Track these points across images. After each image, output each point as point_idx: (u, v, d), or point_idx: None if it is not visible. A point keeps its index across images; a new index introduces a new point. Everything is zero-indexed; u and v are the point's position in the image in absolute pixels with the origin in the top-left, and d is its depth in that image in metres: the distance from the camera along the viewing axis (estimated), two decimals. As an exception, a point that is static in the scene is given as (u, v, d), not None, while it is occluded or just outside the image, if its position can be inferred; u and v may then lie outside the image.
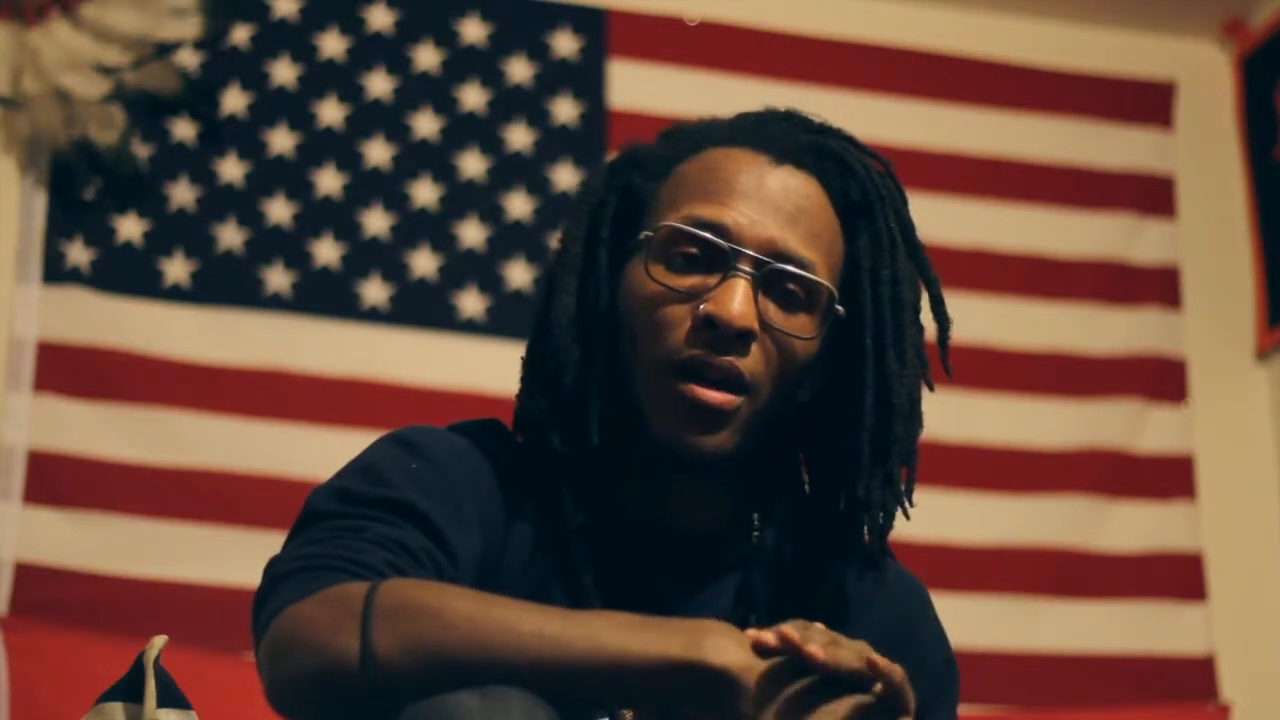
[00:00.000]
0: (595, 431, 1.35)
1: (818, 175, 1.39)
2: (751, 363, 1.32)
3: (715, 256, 1.33)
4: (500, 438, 1.42)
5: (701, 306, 1.32)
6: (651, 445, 1.34)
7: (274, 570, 1.26)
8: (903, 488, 1.39)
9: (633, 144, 1.46)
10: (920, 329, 1.41)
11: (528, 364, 1.42)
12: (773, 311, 1.33)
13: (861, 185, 1.40)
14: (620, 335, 1.37)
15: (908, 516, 1.41)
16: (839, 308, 1.36)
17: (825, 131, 1.43)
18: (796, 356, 1.35)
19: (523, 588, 1.32)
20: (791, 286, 1.34)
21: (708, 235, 1.33)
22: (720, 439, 1.33)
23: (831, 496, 1.43)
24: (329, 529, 1.27)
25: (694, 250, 1.34)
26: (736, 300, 1.31)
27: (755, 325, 1.32)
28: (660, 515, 1.40)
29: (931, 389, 1.42)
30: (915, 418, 1.39)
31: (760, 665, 1.13)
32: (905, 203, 1.43)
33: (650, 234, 1.36)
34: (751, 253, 1.33)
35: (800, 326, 1.35)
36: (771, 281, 1.33)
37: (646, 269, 1.35)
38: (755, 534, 1.42)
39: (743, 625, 1.23)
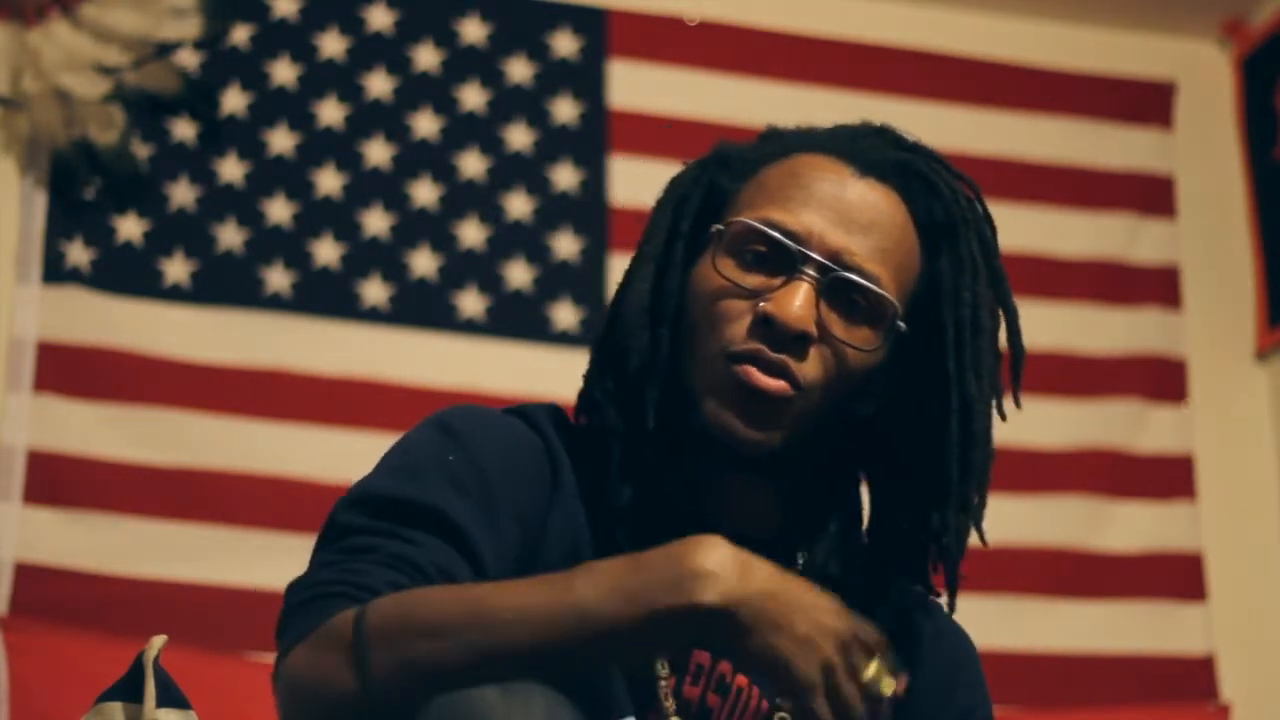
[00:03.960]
0: (651, 414, 1.36)
1: (902, 192, 1.39)
2: (808, 367, 1.32)
3: (783, 258, 1.34)
4: (557, 422, 1.41)
5: (761, 305, 1.32)
6: (700, 432, 1.33)
7: (289, 599, 1.26)
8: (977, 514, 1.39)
9: (724, 144, 1.47)
10: (998, 357, 1.41)
11: (596, 348, 1.43)
12: (834, 320, 1.33)
13: (946, 206, 1.39)
14: (684, 324, 1.37)
15: (985, 544, 1.41)
16: (900, 324, 1.36)
17: (916, 150, 1.43)
18: (855, 368, 1.35)
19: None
20: (856, 297, 1.34)
21: (776, 235, 1.34)
22: (768, 429, 1.33)
23: (893, 520, 1.42)
24: (342, 549, 1.27)
25: (763, 249, 1.35)
26: (797, 303, 1.32)
27: (812, 329, 1.32)
28: (708, 512, 1.38)
29: (1004, 418, 1.41)
30: (990, 444, 1.40)
31: (756, 587, 1.13)
32: (993, 229, 1.43)
33: (722, 228, 1.37)
34: (818, 258, 1.33)
35: (862, 339, 1.34)
36: (836, 289, 1.34)
37: (714, 262, 1.36)
38: (802, 554, 1.42)
39: None
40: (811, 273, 1.33)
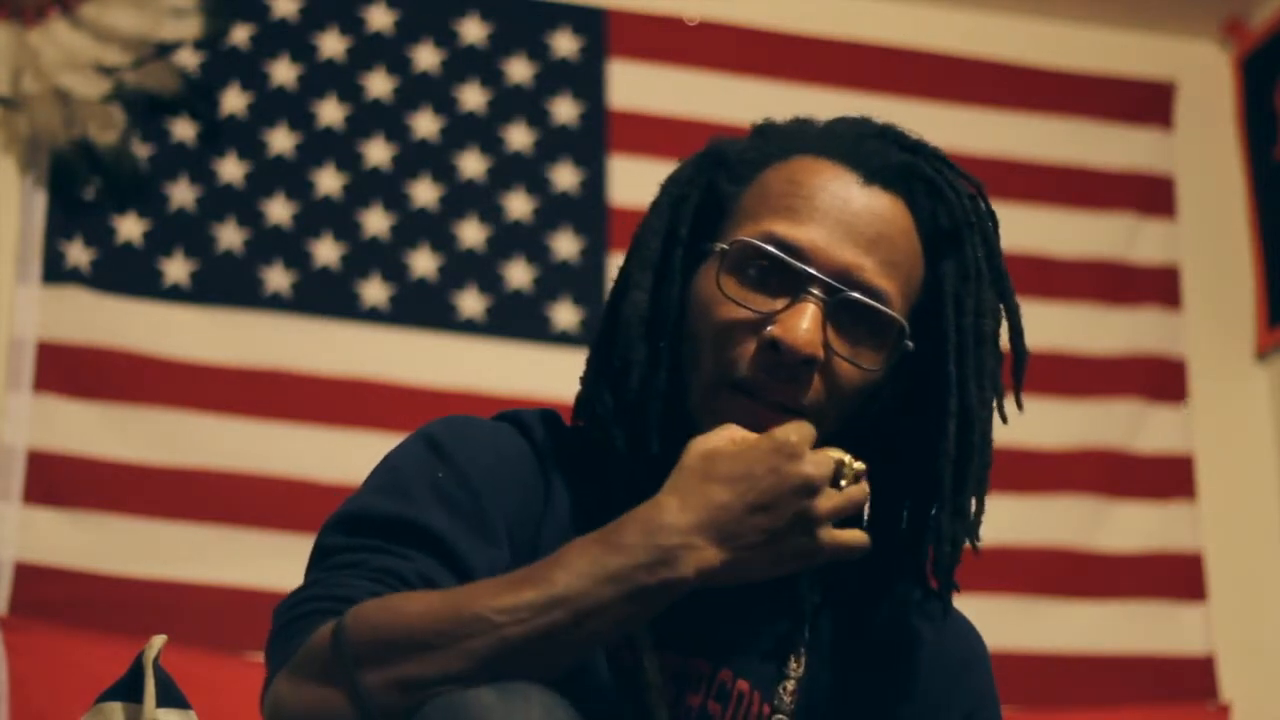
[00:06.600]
0: (655, 438, 1.33)
1: (906, 198, 1.35)
2: (812, 391, 1.30)
3: (788, 276, 1.30)
4: (550, 428, 1.40)
5: (768, 329, 1.29)
6: None
7: (274, 623, 1.25)
8: (972, 521, 1.38)
9: (720, 140, 1.42)
10: (999, 360, 1.38)
11: (594, 355, 1.40)
12: (839, 339, 1.30)
13: (950, 211, 1.36)
14: (685, 341, 1.34)
15: (976, 552, 1.40)
16: (909, 343, 1.33)
17: (919, 151, 1.38)
18: (858, 385, 1.32)
19: None
20: (862, 315, 1.31)
21: (782, 256, 1.30)
22: None
23: (893, 522, 1.40)
24: (326, 568, 1.26)
25: (766, 264, 1.31)
26: (803, 326, 1.28)
27: (820, 354, 1.28)
28: None
29: (1005, 421, 1.40)
30: (988, 450, 1.38)
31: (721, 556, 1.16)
32: (995, 226, 1.40)
33: (725, 246, 1.32)
34: (825, 278, 1.29)
35: (866, 358, 1.31)
36: (842, 309, 1.30)
37: (718, 280, 1.32)
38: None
39: (793, 654, 1.32)
40: (817, 293, 1.29)
